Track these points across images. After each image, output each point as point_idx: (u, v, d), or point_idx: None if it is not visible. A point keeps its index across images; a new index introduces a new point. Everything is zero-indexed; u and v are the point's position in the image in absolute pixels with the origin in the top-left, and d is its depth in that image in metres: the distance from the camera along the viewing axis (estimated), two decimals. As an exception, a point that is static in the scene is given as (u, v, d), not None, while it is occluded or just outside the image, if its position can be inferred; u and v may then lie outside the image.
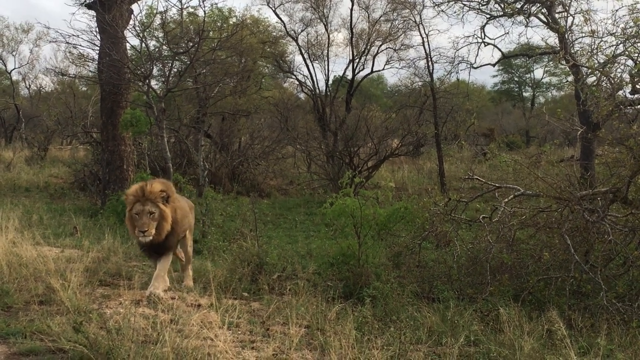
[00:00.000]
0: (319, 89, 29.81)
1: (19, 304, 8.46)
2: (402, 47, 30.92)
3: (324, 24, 30.12)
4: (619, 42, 11.77)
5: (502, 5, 19.89)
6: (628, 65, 11.59)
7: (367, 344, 6.84)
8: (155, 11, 20.96)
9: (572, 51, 16.03)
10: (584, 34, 16.83)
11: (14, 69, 42.89)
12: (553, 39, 19.34)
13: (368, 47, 30.36)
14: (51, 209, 17.62)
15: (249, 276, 10.12)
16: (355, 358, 6.23)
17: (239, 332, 7.64)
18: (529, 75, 54.68)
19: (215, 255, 11.66)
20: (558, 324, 6.66)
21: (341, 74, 33.08)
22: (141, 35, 17.90)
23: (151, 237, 8.51)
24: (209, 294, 8.85)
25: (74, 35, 19.21)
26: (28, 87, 46.27)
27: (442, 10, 21.50)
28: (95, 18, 18.20)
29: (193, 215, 10.81)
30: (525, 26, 20.08)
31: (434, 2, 21.49)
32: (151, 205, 8.56)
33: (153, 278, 8.78)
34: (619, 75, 11.21)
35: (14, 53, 42.90)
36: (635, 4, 12.65)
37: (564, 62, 15.31)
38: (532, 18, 19.42)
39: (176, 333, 6.78)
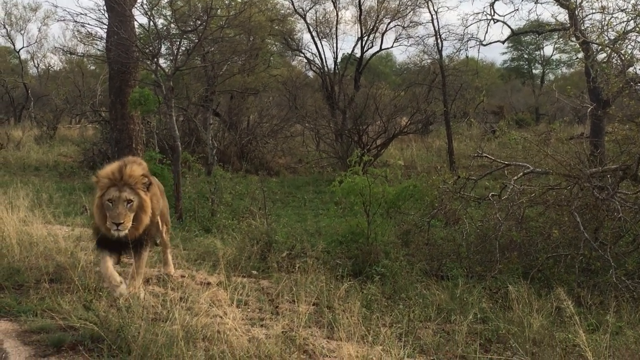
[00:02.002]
0: (327, 67, 29.75)
1: (29, 282, 8.50)
2: (410, 25, 30.80)
3: (332, 1, 30.00)
4: (630, 18, 11.69)
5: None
6: (639, 42, 11.51)
7: (376, 322, 6.86)
8: (163, -11, 20.91)
9: (582, 28, 15.91)
10: (594, 10, 16.74)
11: (22, 48, 42.92)
12: (563, 16, 19.25)
13: (377, 24, 30.24)
14: (61, 187, 17.67)
15: (258, 254, 10.14)
16: (364, 335, 6.24)
17: (248, 310, 7.66)
18: (538, 52, 54.35)
19: (224, 234, 11.67)
20: (567, 302, 6.64)
21: (350, 52, 33.01)
22: (149, 13, 17.81)
23: (126, 232, 7.17)
24: (218, 272, 8.88)
25: (81, 13, 19.27)
26: (36, 66, 46.35)
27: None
28: (103, -4, 18.15)
29: (164, 198, 9.23)
30: (535, 2, 19.91)
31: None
32: (129, 191, 7.22)
33: (130, 277, 7.57)
34: (629, 51, 11.14)
35: (22, 32, 42.98)
36: (646, -21, 12.54)
37: (574, 39, 15.21)
38: (542, -6, 19.27)
39: (186, 311, 6.80)
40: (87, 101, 27.23)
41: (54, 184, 18.43)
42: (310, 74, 34.71)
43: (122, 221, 7.11)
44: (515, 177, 10.59)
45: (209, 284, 8.35)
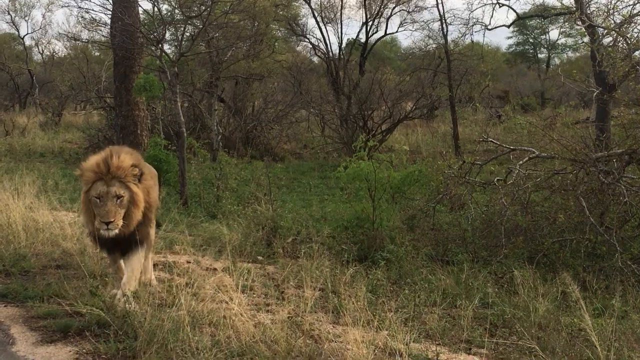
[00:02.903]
0: (332, 52, 29.70)
1: (36, 268, 8.54)
2: (415, 9, 30.76)
3: (336, -15, 29.90)
4: (636, 1, 11.64)
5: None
6: (645, 26, 11.46)
7: (382, 306, 6.87)
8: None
9: (588, 11, 15.86)
10: (600, -6, 16.62)
11: (27, 34, 43.03)
12: (569, -1, 19.08)
13: (381, 9, 30.17)
14: (66, 174, 17.69)
15: (264, 240, 10.16)
16: (370, 320, 6.25)
17: (254, 295, 7.68)
18: (544, 36, 54.18)
19: (229, 220, 11.68)
20: (572, 286, 6.65)
21: (354, 37, 32.87)
22: (153, -2, 17.79)
23: (117, 231, 6.52)
24: (223, 257, 8.89)
25: (85, -1, 19.11)
26: (41, 52, 46.38)
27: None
28: (106, -18, 18.14)
29: (157, 187, 8.04)
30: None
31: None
32: (119, 185, 6.53)
33: (123, 283, 6.87)
34: (635, 35, 11.09)
35: (26, 18, 43.02)
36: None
37: (579, 23, 15.17)
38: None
39: (192, 296, 6.82)
40: (91, 87, 27.21)
41: (60, 171, 18.46)
42: (315, 59, 34.71)
43: (111, 219, 6.43)
44: (521, 162, 10.58)
45: (214, 269, 8.37)
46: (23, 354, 5.87)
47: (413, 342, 5.98)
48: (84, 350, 5.89)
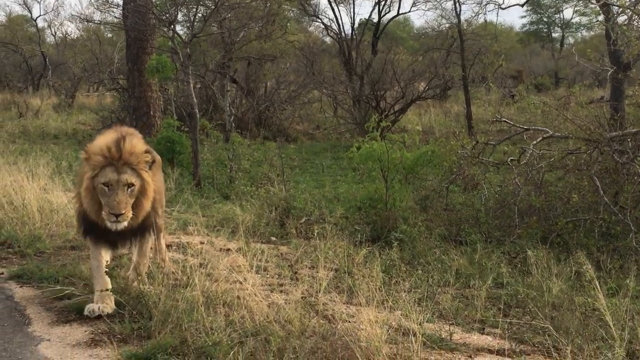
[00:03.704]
0: (344, 32, 29.58)
1: (50, 249, 8.60)
2: (428, -12, 30.52)
3: (349, -35, 29.75)
4: (652, -21, 11.52)
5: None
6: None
7: (395, 287, 6.88)
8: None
9: (603, -11, 15.69)
10: (615, -29, 16.47)
11: (39, 16, 43.26)
12: (583, -23, 18.90)
13: (394, -12, 29.97)
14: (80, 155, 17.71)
15: (277, 220, 10.19)
16: (384, 300, 6.26)
17: (268, 276, 7.71)
18: (558, 15, 53.86)
19: (242, 200, 11.71)
20: (586, 266, 6.64)
21: (367, 17, 32.76)
22: (165, -21, 17.75)
23: (126, 224, 6.04)
24: (237, 238, 8.91)
25: (97, -20, 19.10)
26: (54, 34, 46.44)
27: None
28: (118, -38, 18.12)
29: (161, 172, 7.76)
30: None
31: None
32: (130, 173, 6.01)
33: (133, 275, 6.58)
34: (650, 13, 10.99)
35: (39, 0, 42.86)
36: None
37: (594, 1, 15.03)
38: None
39: (206, 277, 6.85)
40: (104, 69, 27.23)
41: (73, 152, 18.50)
42: (328, 39, 34.61)
43: (122, 211, 5.89)
44: (535, 142, 10.54)
45: (228, 250, 8.39)
46: (39, 334, 5.92)
47: (426, 322, 5.99)
48: (99, 331, 5.93)
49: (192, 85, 14.23)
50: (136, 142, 6.22)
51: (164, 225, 7.90)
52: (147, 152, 6.25)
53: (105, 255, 6.59)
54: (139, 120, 18.21)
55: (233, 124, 20.60)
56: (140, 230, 6.52)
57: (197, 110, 14.03)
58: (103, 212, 5.96)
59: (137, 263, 6.74)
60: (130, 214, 6.01)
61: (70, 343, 5.71)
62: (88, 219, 6.36)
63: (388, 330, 5.59)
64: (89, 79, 33.35)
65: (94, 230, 6.39)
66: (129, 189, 6.00)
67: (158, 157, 7.11)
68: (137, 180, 6.06)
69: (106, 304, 6.19)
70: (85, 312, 6.17)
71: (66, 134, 23.35)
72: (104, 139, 6.16)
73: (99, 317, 6.13)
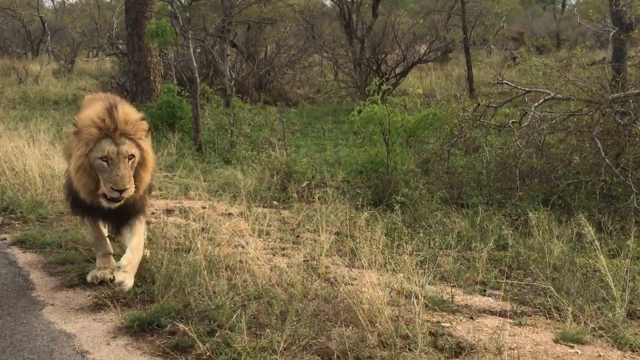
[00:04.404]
0: (344, -5, 29.32)
1: (52, 214, 8.63)
2: (429, -51, 30.21)
3: None
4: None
5: None
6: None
7: (397, 250, 6.90)
8: None
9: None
10: None
11: (37, -19, 42.55)
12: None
13: (395, -51, 29.67)
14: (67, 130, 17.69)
15: (278, 185, 10.20)
16: (386, 263, 6.29)
17: (270, 240, 7.73)
18: (559, -24, 53.32)
19: (244, 165, 11.71)
20: (587, 227, 6.66)
21: (367, -21, 32.42)
22: (164, -58, 17.58)
23: (125, 198, 5.51)
24: (239, 202, 8.93)
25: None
26: (52, -1, 46.01)
27: None
28: None
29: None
30: None
31: None
32: (129, 143, 5.48)
33: (124, 261, 5.47)
34: (653, -26, 10.90)
35: (36, -37, 42.51)
36: None
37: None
38: None
39: (208, 241, 6.88)
40: (103, 34, 27.13)
41: (74, 118, 18.48)
42: (328, 2, 34.30)
43: (127, 186, 5.37)
44: (536, 104, 10.51)
45: (230, 214, 8.42)
46: (42, 298, 5.96)
47: (428, 284, 6.03)
48: (103, 295, 5.96)
49: (192, 50, 14.15)
50: (129, 110, 5.71)
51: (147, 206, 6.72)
52: (143, 119, 5.74)
53: (104, 231, 6.28)
54: (139, 85, 18.13)
55: (234, 89, 20.53)
56: (134, 209, 5.92)
57: (197, 75, 13.97)
58: (103, 189, 5.38)
59: (132, 249, 5.78)
60: (133, 189, 5.47)
61: (74, 307, 5.74)
62: (78, 200, 5.83)
63: (390, 293, 5.63)
64: (88, 44, 33.20)
65: (87, 208, 5.88)
66: (129, 161, 5.45)
67: None
68: (137, 150, 5.52)
69: (107, 270, 6.19)
70: (89, 280, 6.20)
71: (66, 99, 23.28)
72: (94, 109, 5.56)
73: (103, 281, 6.16)
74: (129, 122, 5.50)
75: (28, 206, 8.74)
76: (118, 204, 5.47)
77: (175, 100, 15.00)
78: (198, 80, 14.05)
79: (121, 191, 5.34)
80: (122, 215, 5.84)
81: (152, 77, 18.23)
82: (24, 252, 7.29)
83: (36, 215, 8.49)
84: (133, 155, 5.46)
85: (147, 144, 5.75)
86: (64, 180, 6.41)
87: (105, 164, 5.35)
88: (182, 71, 18.42)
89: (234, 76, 21.69)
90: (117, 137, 5.40)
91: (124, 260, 5.43)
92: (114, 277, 5.48)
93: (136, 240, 5.81)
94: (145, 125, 5.71)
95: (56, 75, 28.28)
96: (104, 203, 5.46)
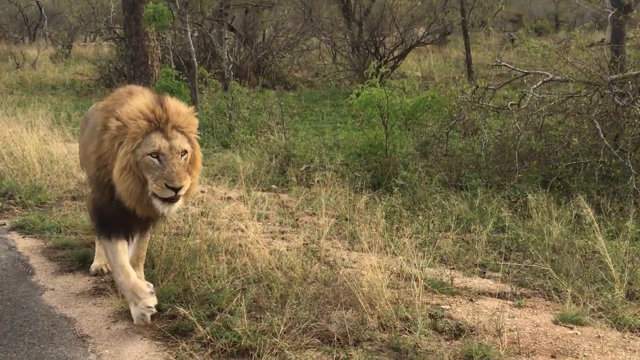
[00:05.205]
0: (342, -23, 29.20)
1: (52, 199, 8.65)
2: None
3: None
4: None
5: None
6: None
7: (396, 232, 6.91)
8: None
9: None
10: None
11: (33, -35, 42.34)
12: None
13: None
14: (78, 106, 17.70)
15: (277, 168, 10.20)
16: (385, 246, 6.30)
17: (269, 223, 7.75)
18: (558, -43, 53.09)
19: (242, 149, 11.71)
20: (586, 209, 6.67)
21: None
22: None
23: (181, 203, 4.93)
24: (238, 186, 8.94)
25: None
26: (48, -17, 45.79)
27: None
28: None
29: None
30: None
31: None
32: (181, 138, 4.84)
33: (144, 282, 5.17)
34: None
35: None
36: None
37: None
38: None
39: (207, 225, 6.89)
40: (101, 18, 26.98)
41: (72, 103, 18.47)
42: (325, -15, 34.13)
43: (183, 183, 4.67)
44: (535, 86, 10.48)
45: (229, 198, 8.42)
46: (42, 283, 5.98)
47: (428, 267, 6.05)
48: (103, 279, 5.99)
49: (189, 34, 14.12)
50: (177, 102, 5.02)
51: None
52: (194, 112, 5.09)
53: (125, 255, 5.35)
54: (137, 69, 18.07)
55: (232, 72, 20.48)
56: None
57: (195, 59, 13.94)
58: (153, 188, 4.67)
59: (137, 257, 5.54)
60: (187, 188, 4.80)
61: (74, 292, 5.77)
62: (110, 210, 5.10)
63: (390, 276, 5.64)
64: (85, 29, 33.07)
65: (115, 222, 5.18)
66: (182, 157, 4.80)
67: None
68: (189, 146, 4.89)
69: (105, 263, 6.14)
70: (92, 270, 6.21)
71: (64, 84, 23.24)
72: (141, 100, 4.88)
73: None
74: (181, 114, 4.90)
75: (27, 191, 8.75)
76: (176, 205, 4.81)
77: (173, 84, 14.94)
78: (196, 64, 14.02)
79: (176, 189, 4.64)
80: (152, 226, 5.44)
81: (150, 62, 18.16)
82: (23, 237, 7.30)
83: (35, 201, 8.50)
84: (186, 152, 4.83)
85: (197, 140, 5.10)
86: (90, 193, 5.58)
87: (156, 160, 4.69)
88: (180, 55, 18.38)
89: (231, 60, 21.60)
90: (169, 130, 4.79)
91: (143, 282, 5.11)
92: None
93: (143, 248, 5.54)
94: (196, 119, 5.09)
95: (53, 60, 28.21)
96: (159, 206, 4.73)
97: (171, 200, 4.70)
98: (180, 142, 4.77)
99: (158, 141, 4.69)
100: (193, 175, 4.94)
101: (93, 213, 5.45)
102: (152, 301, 5.00)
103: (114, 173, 4.78)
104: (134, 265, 5.38)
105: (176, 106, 4.89)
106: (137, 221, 5.15)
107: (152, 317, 5.00)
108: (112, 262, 5.28)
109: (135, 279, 5.12)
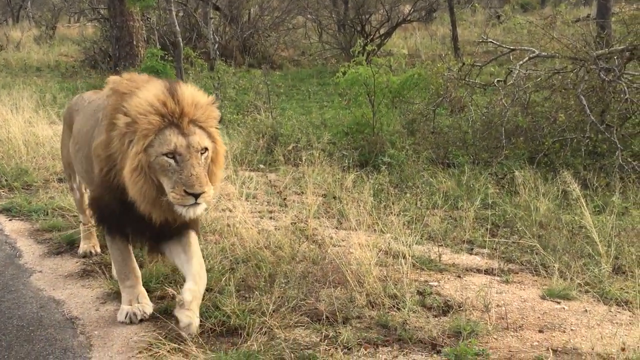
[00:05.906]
0: (328, -46, 29.07)
1: (38, 182, 8.62)
2: None
3: None
4: None
5: None
6: None
7: (384, 210, 6.93)
8: None
9: None
10: None
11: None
12: None
13: None
14: (63, 87, 17.59)
15: (264, 148, 10.19)
16: (374, 223, 6.32)
17: (257, 203, 7.75)
18: None
19: (229, 129, 11.67)
20: (573, 185, 6.68)
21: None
22: None
23: (205, 207, 4.34)
24: (225, 166, 8.92)
25: None
26: (31, -37, 45.38)
27: None
28: None
29: None
30: None
31: None
32: (200, 133, 4.31)
33: (187, 296, 4.25)
34: None
35: None
36: None
37: None
38: None
39: (195, 205, 6.86)
40: (85, -1, 26.83)
41: (57, 84, 18.35)
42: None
43: (205, 188, 4.14)
44: (521, 62, 10.49)
45: (216, 178, 8.39)
46: (30, 266, 5.96)
47: (416, 244, 6.06)
48: (91, 261, 5.98)
49: (174, 13, 14.04)
50: (195, 91, 4.47)
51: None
52: (213, 103, 4.54)
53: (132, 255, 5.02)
54: (122, 50, 18.01)
55: (217, 52, 20.40)
56: (189, 220, 4.54)
57: (180, 39, 13.88)
58: (171, 196, 4.16)
59: (194, 276, 4.57)
60: (211, 193, 4.26)
61: (62, 274, 5.76)
62: (117, 212, 4.67)
63: (378, 253, 5.65)
64: (69, 10, 32.86)
65: (121, 221, 4.75)
66: (202, 156, 4.28)
67: None
68: (209, 142, 4.36)
69: (93, 245, 6.20)
70: (80, 253, 6.19)
71: (49, 66, 23.11)
72: (149, 91, 4.33)
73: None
74: (198, 106, 4.35)
75: (13, 174, 8.72)
76: (197, 210, 4.22)
77: (158, 65, 14.89)
78: (181, 44, 13.96)
79: (197, 195, 4.11)
80: (173, 230, 4.70)
81: (135, 42, 18.10)
82: (10, 220, 7.28)
83: (21, 183, 8.47)
84: (206, 149, 4.30)
85: (219, 134, 4.55)
86: (92, 192, 5.14)
87: (172, 161, 4.16)
88: (165, 35, 18.30)
89: (217, 40, 21.52)
90: (185, 125, 4.25)
91: (187, 295, 4.25)
92: (177, 318, 4.24)
93: (197, 263, 4.65)
94: (217, 111, 4.53)
95: (38, 42, 28.03)
96: (181, 210, 4.20)
97: (192, 204, 4.17)
98: (200, 139, 4.25)
99: (173, 139, 4.18)
100: (215, 175, 4.51)
101: (98, 215, 4.98)
102: (150, 310, 4.79)
103: (124, 174, 4.30)
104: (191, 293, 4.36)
105: (192, 96, 4.35)
106: (148, 225, 4.56)
107: (141, 321, 4.75)
108: (119, 267, 4.93)
109: (142, 289, 4.90)
